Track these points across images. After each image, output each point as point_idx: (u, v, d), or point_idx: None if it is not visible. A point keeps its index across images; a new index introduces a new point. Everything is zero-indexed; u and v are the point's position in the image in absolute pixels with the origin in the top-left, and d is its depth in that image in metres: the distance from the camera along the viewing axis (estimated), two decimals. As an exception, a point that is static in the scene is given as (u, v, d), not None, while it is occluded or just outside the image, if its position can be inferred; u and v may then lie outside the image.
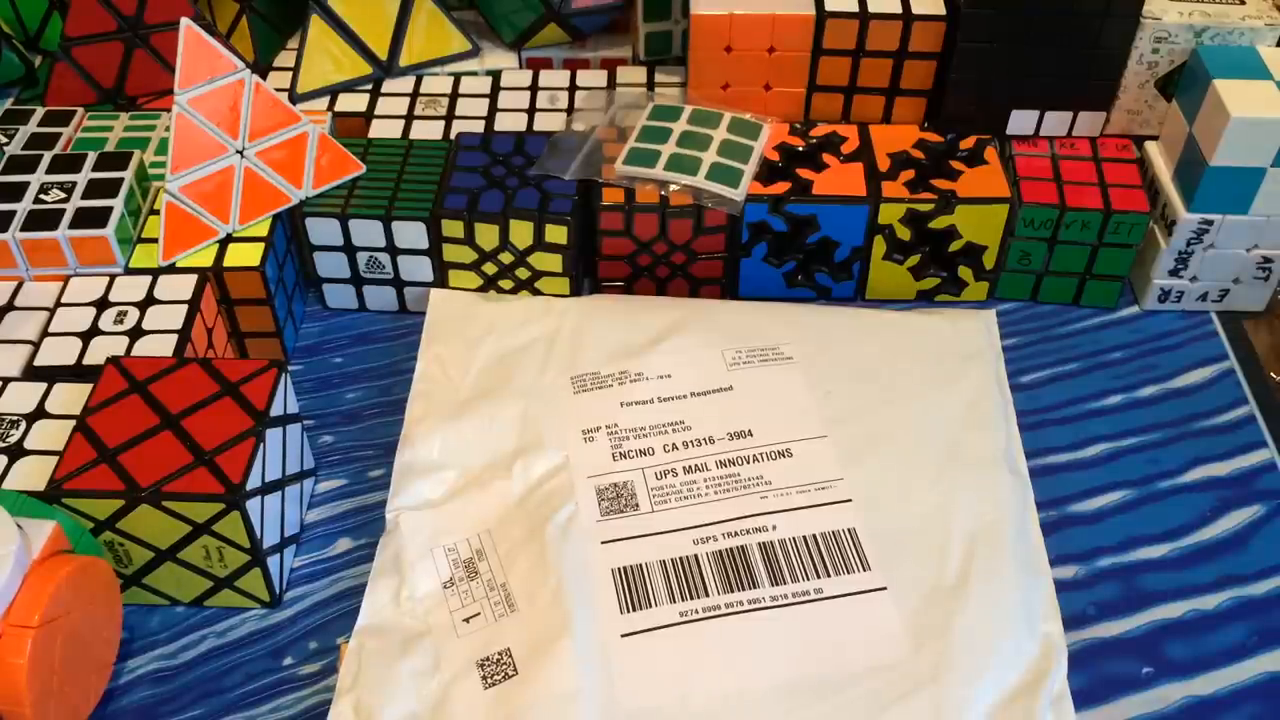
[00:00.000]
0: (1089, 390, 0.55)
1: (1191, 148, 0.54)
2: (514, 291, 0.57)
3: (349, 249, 0.56)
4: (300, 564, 0.48)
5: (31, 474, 0.44)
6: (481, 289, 0.57)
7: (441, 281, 0.57)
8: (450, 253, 0.56)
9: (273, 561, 0.45)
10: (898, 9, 0.56)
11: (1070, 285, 0.58)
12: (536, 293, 0.57)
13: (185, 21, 0.50)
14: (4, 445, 0.45)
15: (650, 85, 0.63)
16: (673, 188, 0.55)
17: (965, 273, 0.58)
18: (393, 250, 0.56)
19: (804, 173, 0.56)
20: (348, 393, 0.55)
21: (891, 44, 0.56)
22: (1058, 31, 0.55)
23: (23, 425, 0.46)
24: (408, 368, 0.54)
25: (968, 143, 0.58)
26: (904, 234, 0.56)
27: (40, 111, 0.60)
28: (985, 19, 0.54)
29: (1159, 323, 0.58)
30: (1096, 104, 0.57)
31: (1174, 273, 0.57)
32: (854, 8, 0.56)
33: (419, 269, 0.57)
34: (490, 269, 0.56)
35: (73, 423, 0.45)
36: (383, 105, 0.62)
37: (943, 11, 0.56)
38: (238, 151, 0.53)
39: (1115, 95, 0.57)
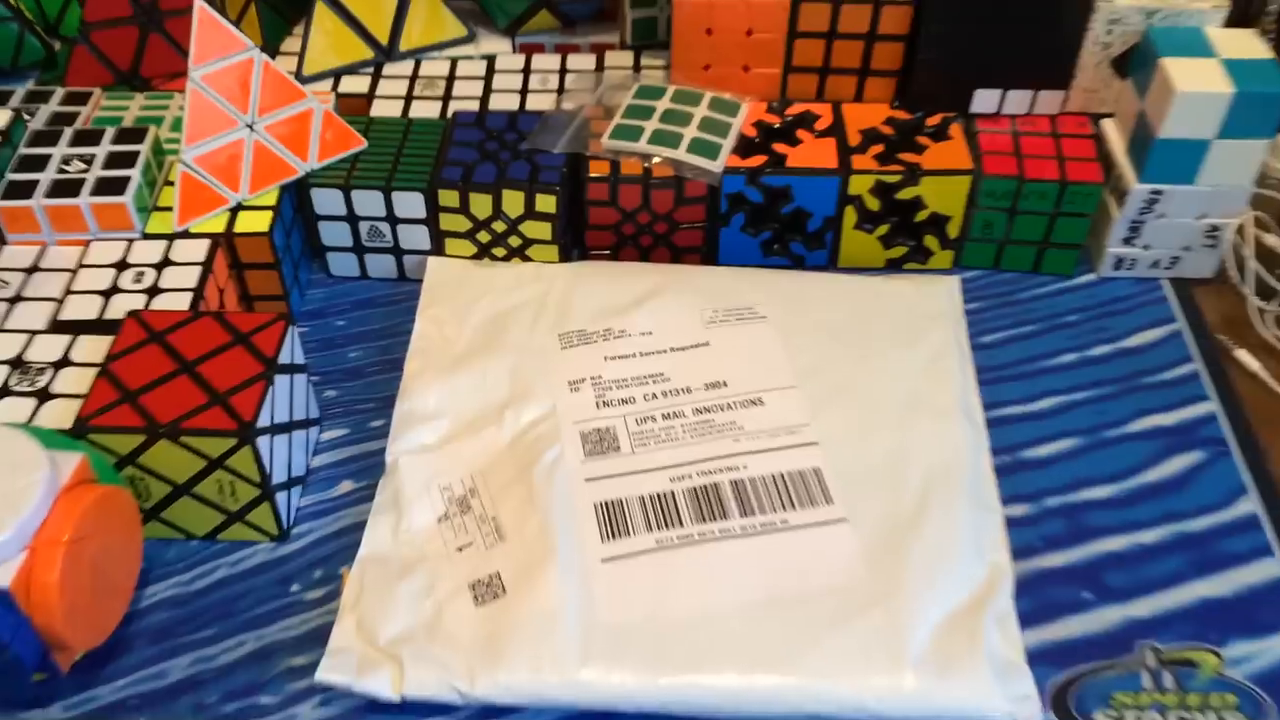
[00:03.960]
0: (1045, 349, 0.58)
1: (1142, 122, 0.58)
2: (506, 259, 0.61)
3: (351, 218, 0.60)
4: (306, 503, 0.52)
5: (59, 415, 0.47)
6: (476, 257, 0.61)
7: (438, 250, 0.61)
8: (446, 221, 0.59)
9: (280, 498, 0.49)
10: (866, -7, 0.60)
11: (1030, 253, 0.62)
12: (527, 260, 0.60)
13: (199, 3, 0.54)
14: (33, 389, 0.49)
15: (637, 68, 0.67)
16: (655, 160, 0.59)
17: (931, 242, 0.61)
18: (392, 219, 0.59)
19: (779, 147, 0.60)
20: (350, 352, 0.59)
21: (862, 27, 0.60)
22: (1017, 14, 0.58)
23: (50, 372, 0.49)
24: (406, 329, 0.57)
25: (934, 120, 0.61)
26: (873, 204, 0.60)
27: (60, 92, 0.64)
28: (948, 2, 0.58)
29: (1113, 289, 0.62)
30: (1055, 83, 0.61)
31: (1127, 241, 0.60)
32: (825, -8, 0.60)
33: (417, 237, 0.60)
34: (484, 237, 0.60)
35: (96, 369, 0.48)
36: (383, 87, 0.66)
37: (908, -5, 0.59)
38: (248, 125, 0.57)
39: (1073, 75, 0.61)
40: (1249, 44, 0.57)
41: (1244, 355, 0.58)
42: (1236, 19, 0.59)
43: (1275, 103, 0.54)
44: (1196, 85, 0.54)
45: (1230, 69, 0.55)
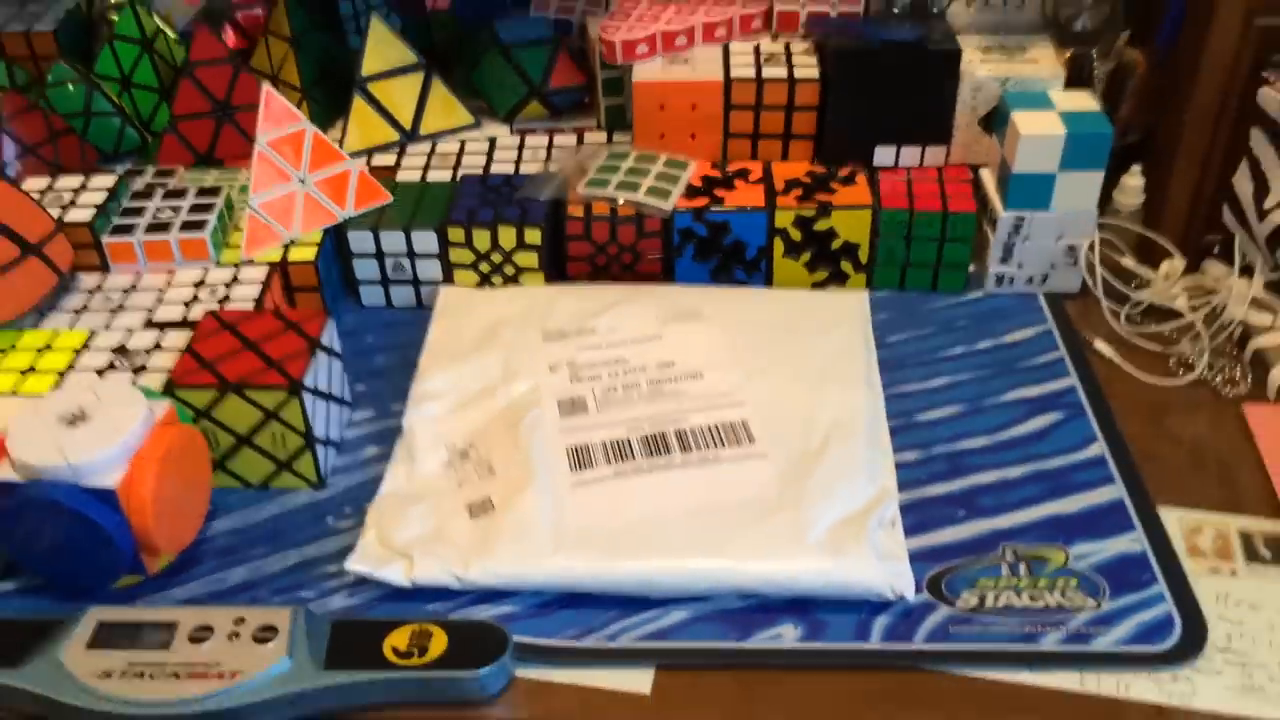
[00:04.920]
0: (938, 345, 0.71)
1: (1004, 164, 0.73)
2: (503, 286, 0.75)
3: (379, 254, 0.75)
4: (339, 463, 0.65)
5: (152, 383, 0.61)
6: (478, 285, 0.75)
7: (448, 280, 0.75)
8: (454, 255, 0.74)
9: (320, 451, 0.62)
10: (784, 74, 0.76)
11: (927, 274, 0.75)
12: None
13: (265, 86, 0.70)
14: (133, 366, 0.63)
15: (609, 143, 0.83)
16: (620, 202, 0.74)
17: (847, 266, 0.75)
18: (411, 254, 0.74)
19: (719, 192, 0.75)
20: (377, 358, 0.72)
21: (781, 99, 0.76)
22: (902, 87, 0.74)
23: (145, 354, 0.63)
24: (422, 342, 0.71)
25: (844, 171, 0.77)
26: (796, 235, 0.74)
27: (151, 169, 0.81)
28: (846, 79, 0.74)
29: (997, 302, 0.75)
30: (937, 140, 0.76)
31: (1004, 261, 0.74)
32: (752, 74, 0.76)
33: (432, 270, 0.75)
34: (485, 267, 0.74)
35: (180, 351, 0.63)
36: (406, 161, 0.83)
37: (816, 75, 0.76)
38: (300, 180, 0.73)
39: (950, 133, 0.76)
40: (1083, 101, 0.72)
41: (1100, 344, 0.71)
42: (1073, 82, 0.74)
43: (1100, 141, 0.69)
44: (1037, 129, 0.69)
45: (1066, 118, 0.70)
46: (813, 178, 0.76)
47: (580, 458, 0.61)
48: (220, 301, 0.67)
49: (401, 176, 0.81)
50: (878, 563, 0.55)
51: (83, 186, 0.74)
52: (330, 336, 0.64)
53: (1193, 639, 0.53)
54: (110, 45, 0.86)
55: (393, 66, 0.84)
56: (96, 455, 0.54)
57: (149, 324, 0.66)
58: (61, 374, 0.63)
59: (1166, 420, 0.66)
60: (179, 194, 0.74)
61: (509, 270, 0.74)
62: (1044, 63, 0.75)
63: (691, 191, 0.75)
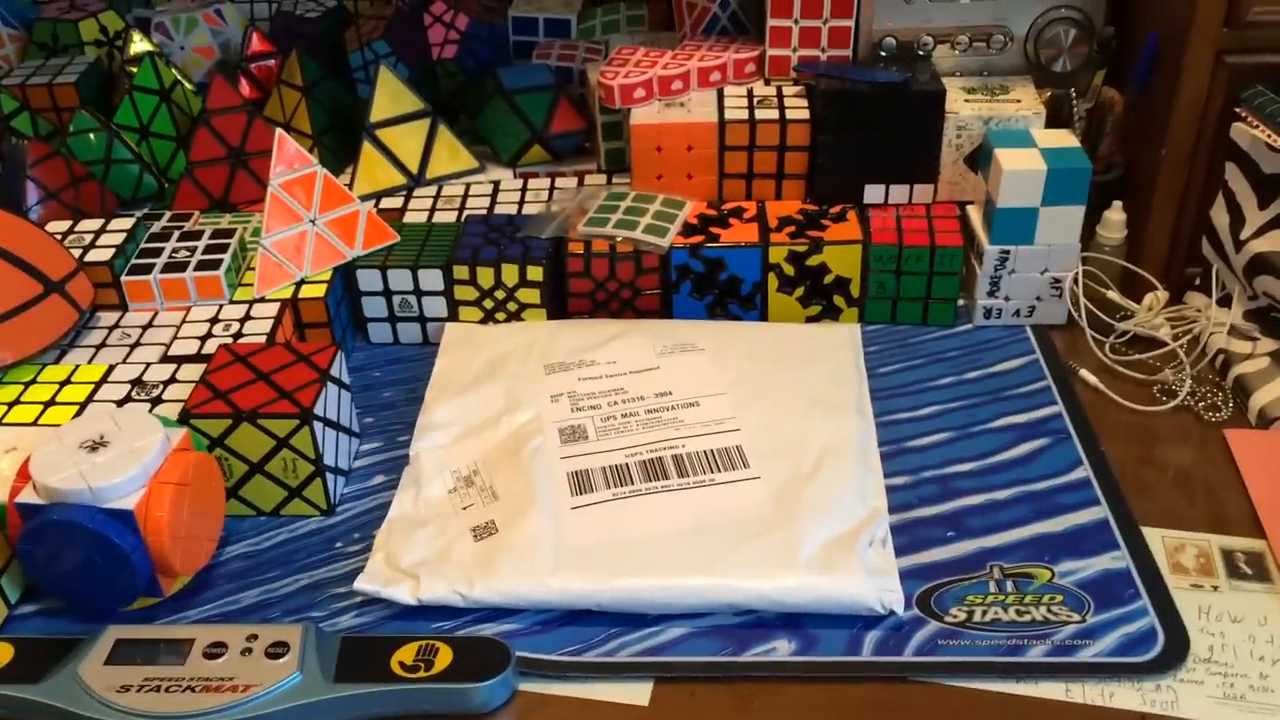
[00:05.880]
0: (929, 375, 0.74)
1: (988, 200, 0.75)
2: (506, 322, 0.78)
3: (387, 292, 0.77)
4: (348, 491, 0.67)
5: (168, 414, 0.64)
6: (482, 322, 0.78)
7: (453, 317, 0.78)
8: (459, 292, 0.77)
9: (329, 479, 0.64)
10: (776, 115, 0.79)
11: (917, 308, 0.78)
12: (522, 321, 0.77)
13: (279, 131, 0.74)
14: (149, 398, 0.65)
15: (609, 184, 0.86)
16: (618, 239, 0.76)
17: (839, 301, 0.78)
18: (418, 292, 0.77)
19: (715, 230, 0.78)
20: (384, 392, 0.75)
21: (773, 140, 0.79)
22: (889, 127, 0.77)
23: (161, 386, 0.66)
24: (429, 376, 0.74)
25: (836, 209, 0.79)
26: (789, 270, 0.77)
27: (168, 214, 0.84)
28: (834, 119, 0.77)
29: (985, 334, 0.77)
30: (924, 178, 0.79)
31: (991, 294, 0.77)
32: (745, 116, 0.79)
33: (437, 307, 0.78)
34: (489, 304, 0.77)
35: (195, 383, 0.65)
36: (413, 204, 0.86)
37: (807, 116, 0.79)
38: (311, 221, 0.75)
39: (937, 171, 0.79)
40: (1063, 138, 0.75)
41: (1085, 373, 0.73)
42: (1053, 121, 0.77)
43: (1080, 176, 0.72)
44: (1020, 165, 0.72)
45: (1047, 155, 0.73)
46: (805, 215, 0.79)
47: (580, 482, 0.63)
48: (234, 337, 0.70)
49: (408, 218, 0.84)
50: (868, 578, 0.57)
51: (102, 229, 0.77)
52: (339, 369, 0.67)
53: (1175, 650, 0.55)
54: (130, 96, 0.89)
55: (400, 114, 0.87)
56: (116, 479, 0.56)
57: (165, 358, 0.69)
58: (81, 406, 0.65)
59: (1151, 445, 0.68)
60: (194, 235, 0.77)
61: (512, 306, 0.77)
62: (1026, 102, 0.78)
63: (688, 229, 0.78)
